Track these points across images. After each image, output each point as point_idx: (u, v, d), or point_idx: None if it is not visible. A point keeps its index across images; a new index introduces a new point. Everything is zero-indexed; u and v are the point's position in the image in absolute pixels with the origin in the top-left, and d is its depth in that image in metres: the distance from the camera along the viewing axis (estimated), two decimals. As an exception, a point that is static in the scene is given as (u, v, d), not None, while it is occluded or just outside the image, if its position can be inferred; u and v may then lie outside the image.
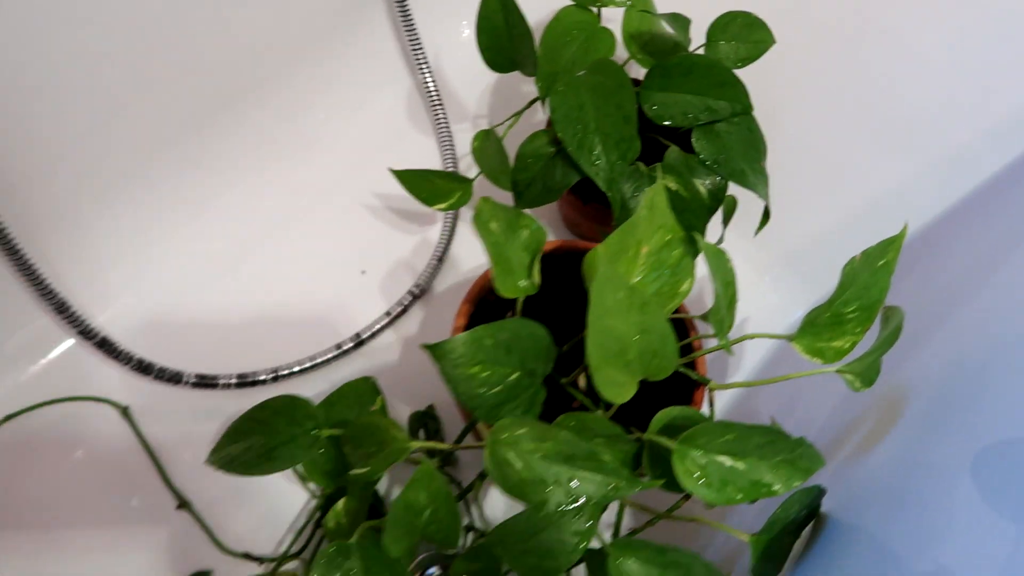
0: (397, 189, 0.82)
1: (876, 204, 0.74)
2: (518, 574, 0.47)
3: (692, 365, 0.59)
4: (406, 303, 0.76)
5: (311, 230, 0.79)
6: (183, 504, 0.67)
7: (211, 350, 0.72)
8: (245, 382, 0.71)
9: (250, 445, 0.51)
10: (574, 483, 0.45)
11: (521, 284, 0.51)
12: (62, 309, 0.61)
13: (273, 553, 0.67)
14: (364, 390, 0.58)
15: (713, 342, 0.63)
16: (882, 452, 0.56)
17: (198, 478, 0.69)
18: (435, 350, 0.45)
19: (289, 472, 0.70)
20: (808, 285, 0.78)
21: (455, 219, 0.81)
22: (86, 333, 0.63)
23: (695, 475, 0.46)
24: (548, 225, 0.81)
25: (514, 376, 0.47)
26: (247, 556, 0.66)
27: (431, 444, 0.49)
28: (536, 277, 0.51)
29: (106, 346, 0.64)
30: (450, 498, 0.47)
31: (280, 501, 0.69)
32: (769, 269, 0.78)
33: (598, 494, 0.45)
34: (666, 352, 0.44)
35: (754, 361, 0.76)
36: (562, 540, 0.46)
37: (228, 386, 0.70)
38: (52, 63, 0.59)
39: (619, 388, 0.44)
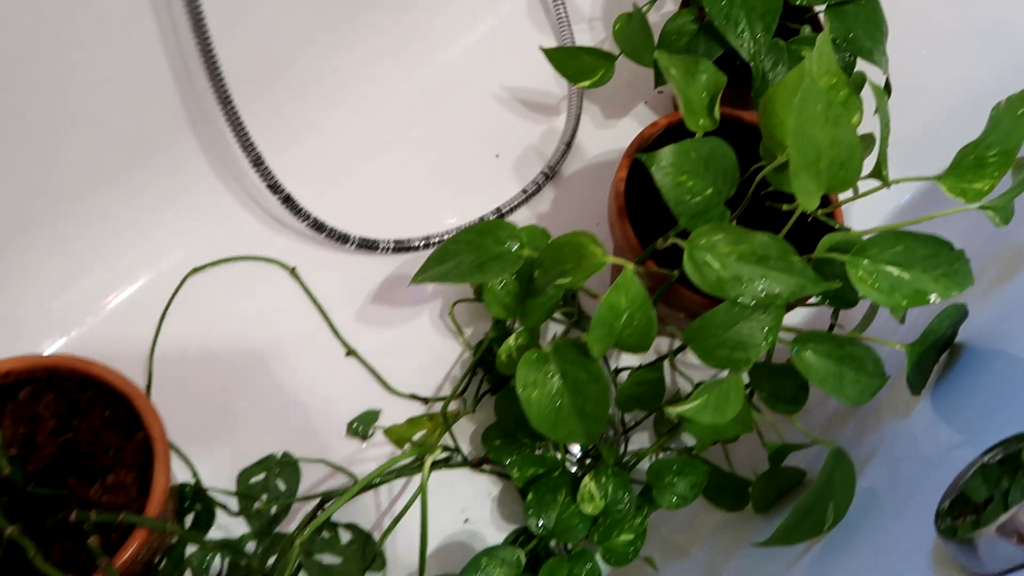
0: (523, 82, 0.88)
1: (987, 95, 0.79)
2: (711, 366, 0.53)
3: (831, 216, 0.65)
4: (540, 183, 0.82)
5: (448, 115, 0.85)
6: (351, 352, 0.74)
7: (369, 219, 0.78)
8: (400, 247, 0.77)
9: (459, 262, 0.57)
10: (765, 282, 0.51)
11: (701, 122, 0.57)
12: (258, 163, 0.67)
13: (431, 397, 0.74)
14: (537, 232, 0.64)
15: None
16: (1014, 289, 0.62)
17: (361, 331, 0.75)
18: (649, 159, 0.51)
19: (443, 327, 0.76)
20: (912, 171, 0.84)
21: (580, 109, 0.86)
22: (274, 187, 0.69)
23: (868, 282, 0.52)
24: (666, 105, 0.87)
25: (709, 191, 0.53)
26: (414, 396, 0.73)
27: (619, 260, 0.55)
28: (716, 114, 0.57)
29: (289, 202, 0.70)
30: (647, 303, 0.53)
31: (436, 352, 0.75)
32: (879, 151, 0.83)
33: (787, 292, 0.51)
34: (852, 164, 0.50)
35: (878, 218, 0.82)
36: (752, 334, 0.52)
37: (386, 250, 0.77)
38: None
39: (810, 196, 0.50)
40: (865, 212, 0.81)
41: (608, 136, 0.87)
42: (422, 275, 0.58)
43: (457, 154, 0.84)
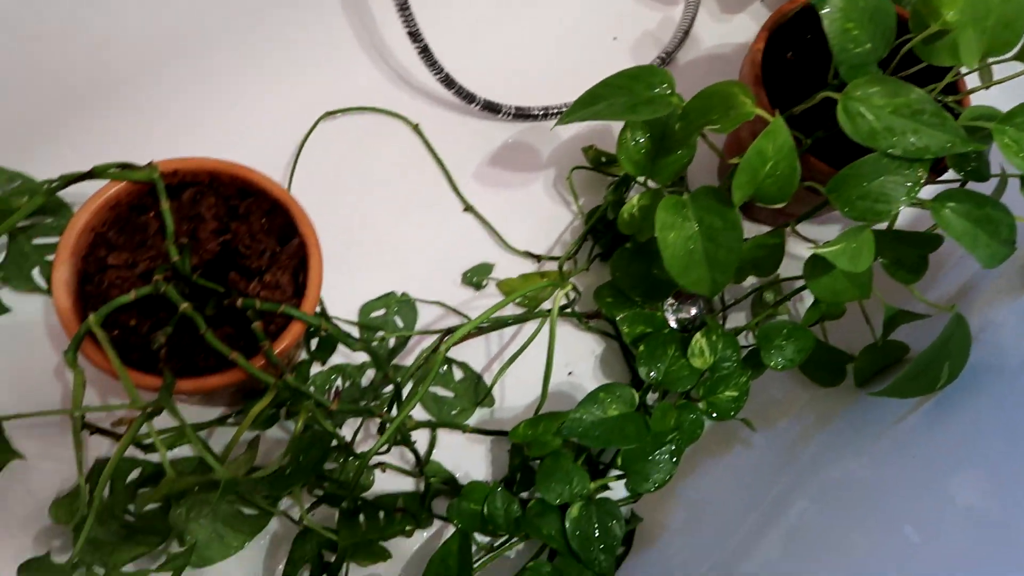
0: (643, -30, 0.89)
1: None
2: (851, 216, 0.55)
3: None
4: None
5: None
6: (468, 208, 0.76)
7: (489, 87, 0.80)
8: (521, 114, 0.79)
9: (611, 103, 0.59)
10: (917, 137, 0.52)
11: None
12: (403, 7, 0.69)
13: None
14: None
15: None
16: None
17: (477, 190, 0.78)
18: (820, 2, 0.52)
19: (555, 195, 0.79)
20: None
21: (698, 1, 0.87)
22: (414, 35, 0.71)
23: (1013, 149, 0.53)
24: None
25: (868, 45, 0.54)
26: (528, 254, 0.76)
27: (761, 111, 0.57)
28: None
29: (426, 53, 0.72)
30: (793, 153, 0.55)
31: (547, 218, 0.78)
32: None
33: (936, 147, 0.52)
34: (1017, 25, 0.51)
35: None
36: (895, 188, 0.54)
37: (507, 115, 0.79)
38: None
39: (971, 53, 0.52)
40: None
41: (723, 30, 0.88)
42: (572, 115, 0.60)
43: (576, 33, 0.85)
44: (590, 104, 0.60)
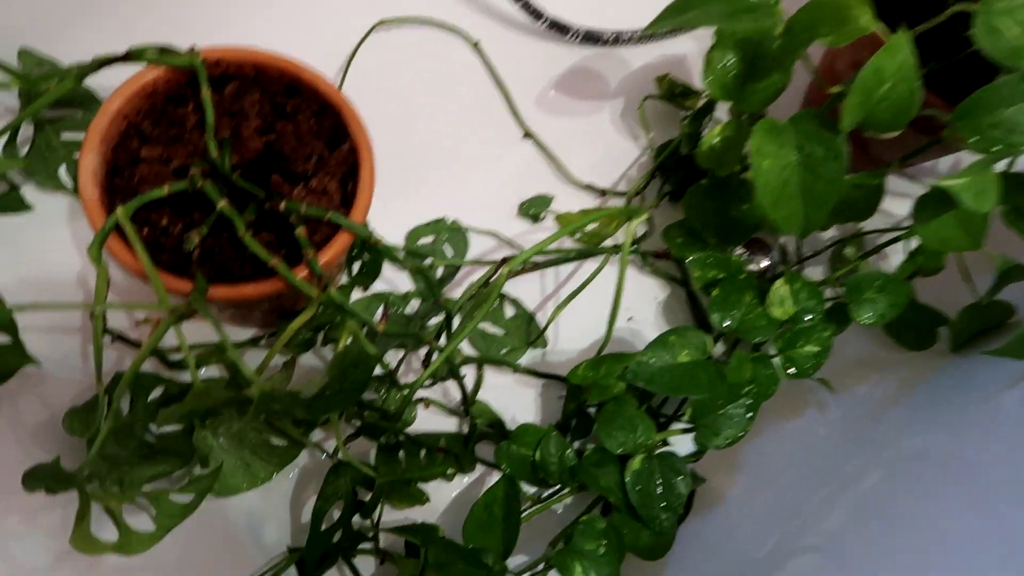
0: None
1: None
2: (978, 148, 0.48)
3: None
4: (739, -4, 0.76)
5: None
6: (528, 135, 0.70)
7: (558, 5, 0.73)
8: (590, 37, 0.73)
9: (706, 10, 0.52)
10: (1066, 57, 0.46)
11: None
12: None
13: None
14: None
15: None
16: None
17: (538, 117, 0.72)
18: None
19: (622, 127, 0.72)
20: None
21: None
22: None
23: None
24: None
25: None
26: (591, 187, 0.69)
27: (880, 27, 0.50)
28: None
29: (493, -42, 0.66)
30: (914, 74, 0.48)
31: (611, 152, 0.72)
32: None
33: (1088, 71, 0.45)
34: None
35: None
36: (1034, 117, 0.47)
37: (576, 37, 0.72)
38: None
39: None
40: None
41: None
42: (661, 21, 0.54)
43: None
44: (682, 11, 0.54)
